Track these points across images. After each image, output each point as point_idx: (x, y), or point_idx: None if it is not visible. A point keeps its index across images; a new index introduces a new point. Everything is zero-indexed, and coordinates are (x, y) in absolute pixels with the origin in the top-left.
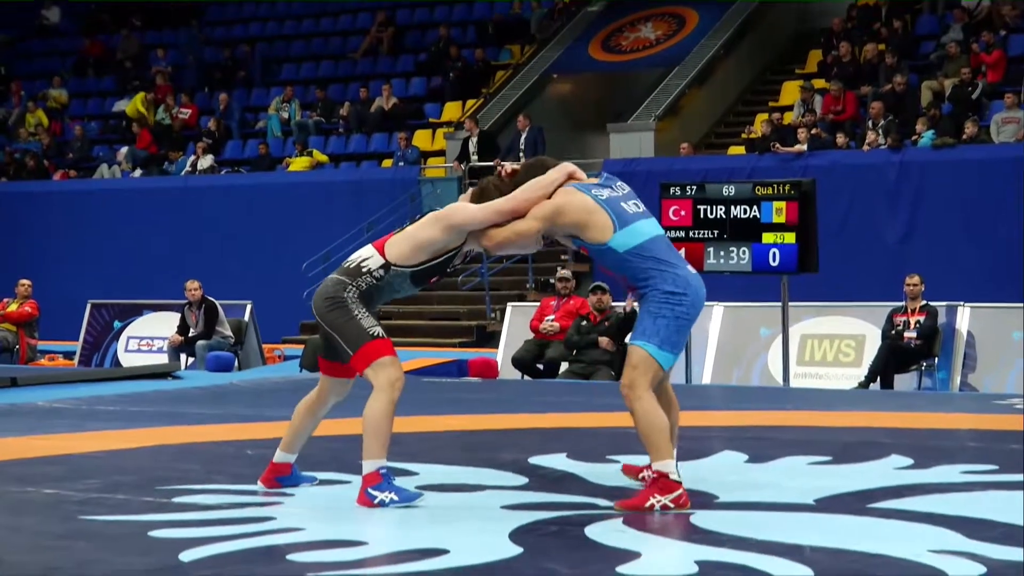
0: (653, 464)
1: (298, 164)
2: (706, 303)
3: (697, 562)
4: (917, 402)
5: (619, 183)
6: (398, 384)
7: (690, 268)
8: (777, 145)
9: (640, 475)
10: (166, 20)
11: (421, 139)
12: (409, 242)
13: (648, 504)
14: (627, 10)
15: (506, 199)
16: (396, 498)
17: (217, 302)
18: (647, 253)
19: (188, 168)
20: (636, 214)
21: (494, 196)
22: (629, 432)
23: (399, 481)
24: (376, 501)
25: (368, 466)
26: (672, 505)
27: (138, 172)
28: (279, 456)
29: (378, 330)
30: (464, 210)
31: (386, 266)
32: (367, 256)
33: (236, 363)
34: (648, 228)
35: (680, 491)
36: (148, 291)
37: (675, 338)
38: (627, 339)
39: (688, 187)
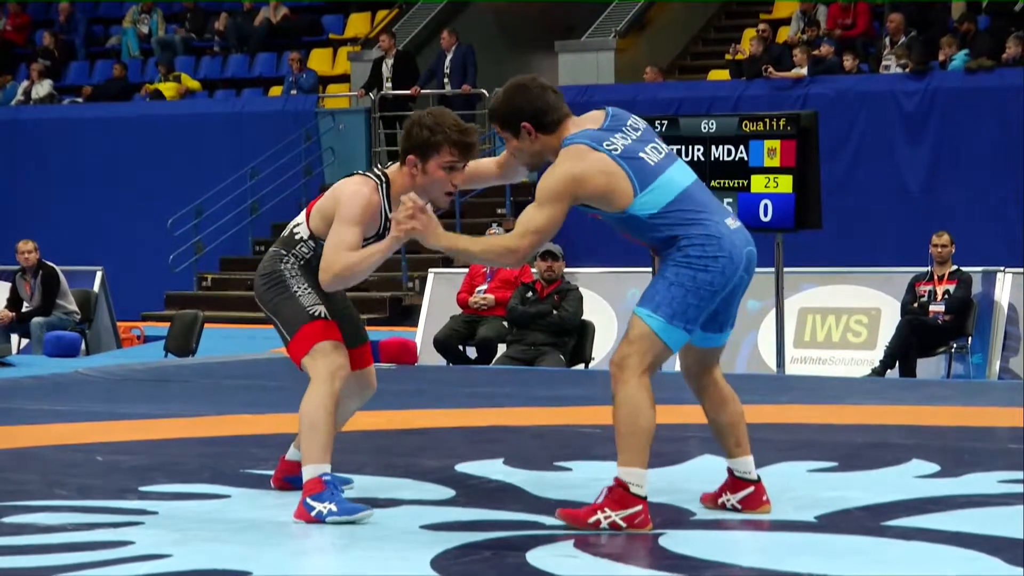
0: (618, 469)
1: (162, 92)
2: None
3: None
4: (945, 393)
5: (630, 121)
6: (340, 373)
7: (732, 221)
8: (770, 68)
9: (719, 501)
10: None
11: (319, 60)
12: (323, 218)
13: (592, 520)
14: None
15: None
16: (335, 509)
17: (58, 268)
18: (676, 207)
19: (19, 97)
20: (660, 163)
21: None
22: (583, 432)
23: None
24: (314, 513)
25: (308, 472)
26: (624, 525)
27: None
28: (291, 453)
29: (320, 310)
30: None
31: (313, 237)
32: (299, 221)
33: (83, 345)
34: (678, 178)
35: (638, 508)
36: None
37: (692, 312)
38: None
39: (657, 121)
